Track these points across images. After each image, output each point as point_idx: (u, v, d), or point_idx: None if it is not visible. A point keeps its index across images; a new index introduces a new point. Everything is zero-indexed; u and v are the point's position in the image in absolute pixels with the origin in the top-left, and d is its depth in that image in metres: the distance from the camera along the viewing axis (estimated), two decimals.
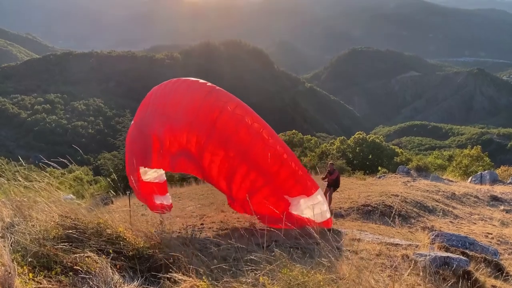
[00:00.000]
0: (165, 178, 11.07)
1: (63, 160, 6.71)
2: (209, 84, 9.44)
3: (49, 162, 6.73)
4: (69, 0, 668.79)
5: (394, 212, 13.76)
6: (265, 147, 8.76)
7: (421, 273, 5.64)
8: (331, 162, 16.19)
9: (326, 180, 14.49)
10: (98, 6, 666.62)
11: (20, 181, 5.54)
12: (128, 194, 9.96)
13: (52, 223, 4.68)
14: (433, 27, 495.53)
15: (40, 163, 7.00)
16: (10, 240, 4.01)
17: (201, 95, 9.16)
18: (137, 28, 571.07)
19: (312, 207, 9.07)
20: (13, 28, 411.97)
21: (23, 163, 6.76)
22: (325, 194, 14.34)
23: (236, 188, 9.00)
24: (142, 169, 10.31)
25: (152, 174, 10.59)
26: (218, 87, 9.26)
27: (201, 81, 9.64)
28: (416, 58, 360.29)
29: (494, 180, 23.07)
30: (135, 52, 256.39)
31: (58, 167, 6.97)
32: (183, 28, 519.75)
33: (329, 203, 14.16)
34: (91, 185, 40.88)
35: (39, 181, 5.58)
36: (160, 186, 10.82)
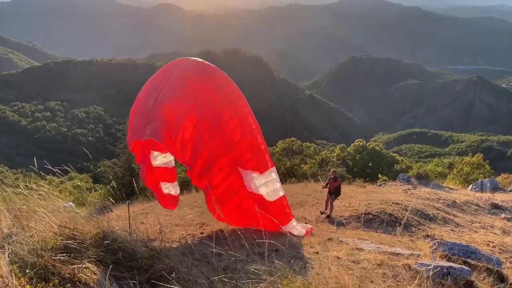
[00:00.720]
0: (174, 164, 11.00)
1: (67, 167, 6.67)
2: (199, 60, 9.76)
3: (52, 168, 6.66)
4: (70, 8, 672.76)
5: (395, 221, 13.70)
6: (234, 115, 8.84)
7: (423, 284, 5.57)
8: (333, 169, 15.98)
9: (327, 187, 14.33)
10: (99, 14, 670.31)
11: (20, 188, 5.49)
12: (127, 202, 9.91)
13: (51, 233, 4.63)
14: (432, 35, 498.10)
15: (37, 171, 6.96)
16: (8, 251, 3.96)
17: (190, 69, 9.53)
18: (138, 36, 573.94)
19: (266, 185, 9.12)
20: (14, 36, 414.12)
21: (34, 168, 6.70)
22: (326, 202, 14.25)
23: (199, 157, 8.89)
24: (152, 155, 10.38)
25: (161, 160, 10.64)
26: (207, 63, 9.62)
27: (198, 59, 9.92)
28: (415, 66, 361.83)
29: (495, 188, 22.99)
30: (135, 60, 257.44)
31: (60, 173, 6.93)
32: (183, 36, 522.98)
33: (331, 211, 14.07)
34: (90, 192, 40.80)
35: (40, 188, 5.54)
36: (169, 172, 10.82)
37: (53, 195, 5.65)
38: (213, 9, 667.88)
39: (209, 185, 8.99)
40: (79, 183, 42.99)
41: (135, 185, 23.17)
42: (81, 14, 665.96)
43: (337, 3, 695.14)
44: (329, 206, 14.11)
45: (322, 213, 14.27)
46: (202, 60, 9.74)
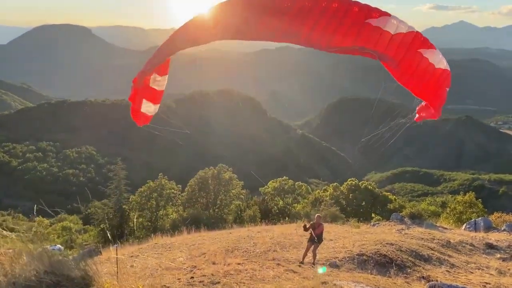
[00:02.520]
0: (163, 89, 10.68)
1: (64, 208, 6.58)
2: None
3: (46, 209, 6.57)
4: (65, 51, 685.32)
5: (389, 262, 13.50)
6: None
7: None
8: (318, 214, 14.67)
9: (309, 232, 13.21)
10: (94, 56, 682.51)
11: (7, 231, 5.38)
12: (116, 246, 9.70)
13: (34, 278, 4.48)
14: None
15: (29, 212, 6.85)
16: None
17: None
18: (132, 77, 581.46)
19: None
20: (9, 77, 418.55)
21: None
22: (306, 250, 13.33)
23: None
24: (152, 76, 10.13)
25: (157, 83, 10.35)
26: None
27: None
28: (404, 106, 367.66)
29: (489, 227, 22.90)
30: None
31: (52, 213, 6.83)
32: (177, 78, 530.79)
33: (314, 258, 13.28)
34: (80, 234, 39.98)
35: (28, 230, 5.43)
36: (157, 94, 10.62)
37: (40, 236, 5.53)
38: (206, 52, 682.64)
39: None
40: (69, 224, 42.26)
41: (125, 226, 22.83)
42: (77, 56, 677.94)
43: None
44: (312, 253, 13.18)
45: (300, 263, 13.15)
46: None
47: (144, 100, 10.49)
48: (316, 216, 13.96)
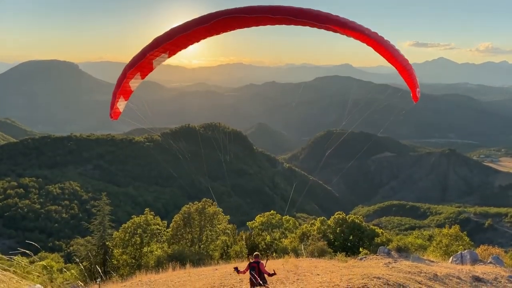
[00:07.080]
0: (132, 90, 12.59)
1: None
2: None
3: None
4: (51, 86, 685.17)
5: None
6: None
7: None
8: (256, 253, 13.02)
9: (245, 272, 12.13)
10: (80, 91, 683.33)
11: None
12: (98, 281, 9.48)
13: None
14: (402, 110, 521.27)
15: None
16: None
17: None
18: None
19: None
20: None
21: None
22: None
23: None
24: (135, 76, 11.85)
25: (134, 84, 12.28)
26: None
27: None
28: (389, 140, 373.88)
29: (475, 260, 22.94)
30: (115, 135, 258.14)
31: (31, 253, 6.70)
32: (164, 112, 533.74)
33: None
34: (61, 273, 38.72)
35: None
36: (130, 92, 12.56)
37: (18, 275, 5.41)
38: (194, 87, 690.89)
39: None
40: (51, 263, 41.01)
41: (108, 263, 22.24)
42: (63, 91, 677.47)
43: (311, 82, 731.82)
44: None
45: None
46: None
47: (121, 97, 12.33)
48: (254, 254, 12.66)
